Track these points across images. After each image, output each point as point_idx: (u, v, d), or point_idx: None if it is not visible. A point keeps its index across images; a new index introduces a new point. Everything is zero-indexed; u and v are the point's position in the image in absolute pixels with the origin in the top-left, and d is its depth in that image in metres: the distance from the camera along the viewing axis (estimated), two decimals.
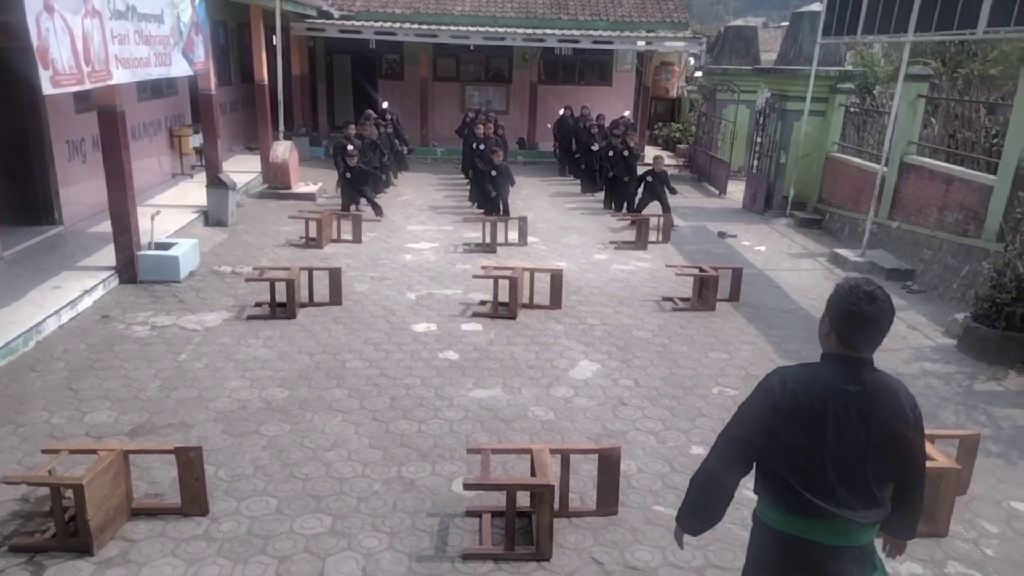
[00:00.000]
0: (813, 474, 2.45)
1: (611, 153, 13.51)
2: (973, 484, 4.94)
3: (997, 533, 4.58)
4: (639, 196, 12.76)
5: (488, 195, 12.41)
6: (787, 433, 2.44)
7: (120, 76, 7.62)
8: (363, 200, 12.46)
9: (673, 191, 12.83)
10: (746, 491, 4.88)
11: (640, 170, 13.41)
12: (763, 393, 2.51)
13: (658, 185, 12.51)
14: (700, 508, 2.69)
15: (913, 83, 11.16)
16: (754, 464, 2.57)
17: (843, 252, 10.87)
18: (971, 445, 4.85)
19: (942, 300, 9.11)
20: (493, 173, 12.16)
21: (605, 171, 13.91)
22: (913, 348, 7.55)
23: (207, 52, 10.85)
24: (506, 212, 12.22)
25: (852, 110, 13.91)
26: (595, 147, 14.41)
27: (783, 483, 2.49)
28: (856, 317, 2.40)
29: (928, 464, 4.46)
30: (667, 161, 20.23)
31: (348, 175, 12.03)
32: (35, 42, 5.81)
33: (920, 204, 10.80)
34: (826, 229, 13.13)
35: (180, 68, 9.74)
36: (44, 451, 4.42)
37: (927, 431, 5.03)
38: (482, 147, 12.91)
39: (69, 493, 4.01)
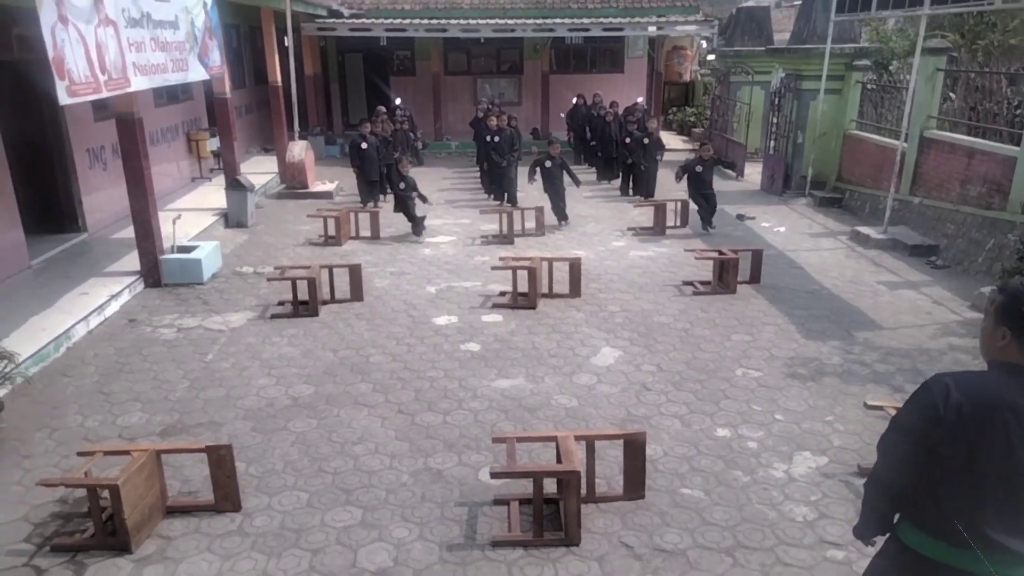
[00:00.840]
0: (976, 497, 2.20)
1: (628, 140, 13.44)
2: None
3: None
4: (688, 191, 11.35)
5: (503, 186, 12.47)
6: (948, 449, 2.20)
7: (139, 83, 7.72)
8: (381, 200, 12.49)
9: (734, 168, 11.68)
10: (773, 471, 4.86)
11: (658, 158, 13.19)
12: (921, 402, 2.25)
13: (707, 175, 11.04)
14: (872, 513, 2.47)
15: (931, 57, 11.00)
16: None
17: (865, 230, 10.76)
18: None
19: (967, 274, 9.00)
20: (548, 164, 11.32)
21: (623, 158, 13.83)
22: (940, 323, 7.47)
23: (222, 56, 10.95)
24: (563, 218, 11.57)
25: (869, 87, 13.74)
26: (628, 140, 14.01)
27: (936, 504, 2.26)
28: None
29: None
30: (681, 146, 20.16)
31: (402, 185, 10.87)
32: (51, 53, 5.90)
33: (942, 179, 10.66)
34: (846, 207, 13.00)
35: (196, 73, 9.84)
36: (79, 453, 4.52)
37: None
38: (496, 139, 12.90)
39: (106, 493, 4.10)
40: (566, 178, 11.51)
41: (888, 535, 2.47)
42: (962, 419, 2.17)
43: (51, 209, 9.92)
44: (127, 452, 4.42)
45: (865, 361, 6.57)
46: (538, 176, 11.52)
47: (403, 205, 11.00)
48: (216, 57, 10.64)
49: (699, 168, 11.04)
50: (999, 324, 2.25)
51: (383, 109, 15.01)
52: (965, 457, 2.20)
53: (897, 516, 2.44)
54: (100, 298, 7.74)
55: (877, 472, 2.43)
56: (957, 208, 9.96)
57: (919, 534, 2.33)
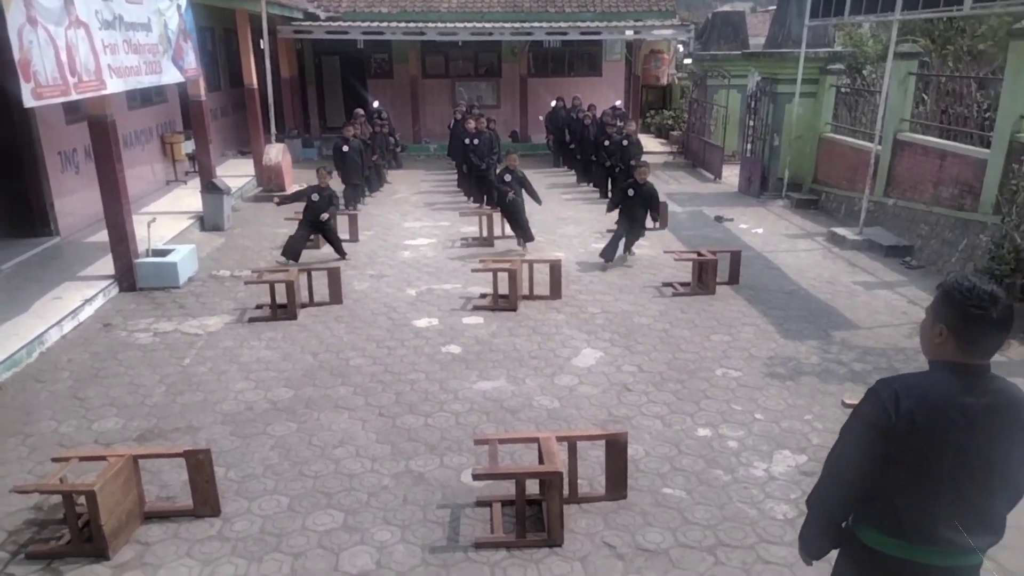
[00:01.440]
0: (930, 498, 2.23)
1: (608, 143, 13.49)
2: None
3: None
4: (617, 213, 9.87)
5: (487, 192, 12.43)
6: (900, 452, 2.21)
7: (114, 85, 7.62)
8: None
9: (656, 219, 9.74)
10: (753, 469, 4.89)
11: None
12: (872, 412, 2.25)
13: (638, 204, 9.44)
14: (822, 531, 2.46)
15: (903, 61, 11.17)
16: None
17: (841, 231, 10.90)
18: None
19: (941, 274, 9.14)
20: (507, 178, 10.10)
21: (602, 160, 13.85)
22: (915, 323, 7.58)
23: (197, 58, 10.83)
24: (528, 239, 10.29)
25: (843, 90, 13.92)
26: (607, 143, 13.94)
27: (891, 506, 2.28)
28: (982, 322, 2.15)
29: None
30: (659, 148, 20.24)
31: (315, 196, 9.63)
32: (16, 55, 5.81)
33: (915, 180, 10.83)
34: (822, 209, 13.16)
35: (171, 75, 9.73)
36: (54, 459, 4.43)
37: None
38: (475, 141, 12.91)
39: (82, 500, 4.03)
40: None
41: (849, 541, 2.47)
42: (913, 424, 2.18)
43: (22, 213, 9.74)
44: (103, 458, 4.34)
45: (842, 360, 6.65)
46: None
47: (311, 227, 9.66)
48: (191, 60, 10.53)
49: (631, 192, 9.47)
50: (936, 321, 2.27)
51: (361, 112, 14.95)
52: (917, 460, 2.22)
53: (847, 523, 2.46)
54: (74, 302, 7.61)
55: (831, 482, 2.41)
56: (930, 209, 10.12)
57: (877, 534, 2.34)
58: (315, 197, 9.65)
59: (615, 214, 10.04)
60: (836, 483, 2.38)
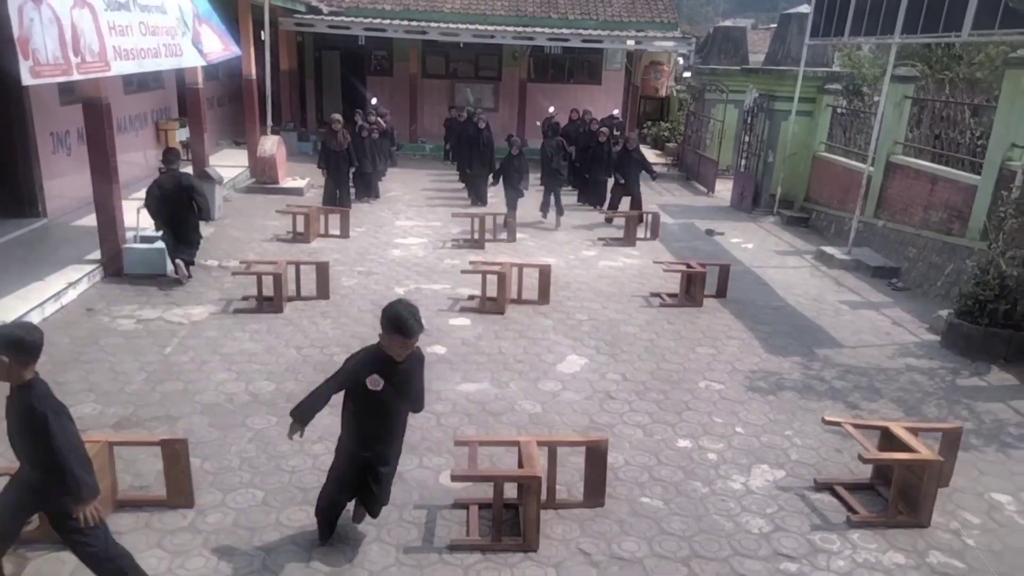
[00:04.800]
0: None
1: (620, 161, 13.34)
2: (955, 476, 5.00)
3: (978, 524, 4.63)
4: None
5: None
6: None
7: (122, 67, 7.52)
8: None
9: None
10: (731, 482, 4.89)
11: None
12: None
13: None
14: None
15: (900, 84, 11.26)
16: None
17: (829, 250, 10.95)
18: (953, 438, 4.91)
19: (927, 297, 9.20)
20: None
21: (618, 179, 13.46)
22: (898, 344, 7.62)
23: (224, 41, 10.78)
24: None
25: (839, 111, 14.01)
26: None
27: None
28: None
29: (911, 457, 4.52)
30: (655, 159, 20.25)
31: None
32: (16, 32, 5.75)
33: (906, 203, 10.90)
34: (813, 227, 13.22)
35: (192, 58, 9.64)
36: None
37: (909, 424, 5.09)
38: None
39: None
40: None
41: None
42: None
43: (10, 193, 9.66)
44: None
45: (824, 377, 6.67)
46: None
47: None
48: (214, 44, 10.45)
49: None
50: None
51: (359, 113, 14.36)
52: None
53: None
54: (57, 285, 7.54)
55: None
56: (919, 232, 10.19)
57: None
58: None
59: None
60: None
